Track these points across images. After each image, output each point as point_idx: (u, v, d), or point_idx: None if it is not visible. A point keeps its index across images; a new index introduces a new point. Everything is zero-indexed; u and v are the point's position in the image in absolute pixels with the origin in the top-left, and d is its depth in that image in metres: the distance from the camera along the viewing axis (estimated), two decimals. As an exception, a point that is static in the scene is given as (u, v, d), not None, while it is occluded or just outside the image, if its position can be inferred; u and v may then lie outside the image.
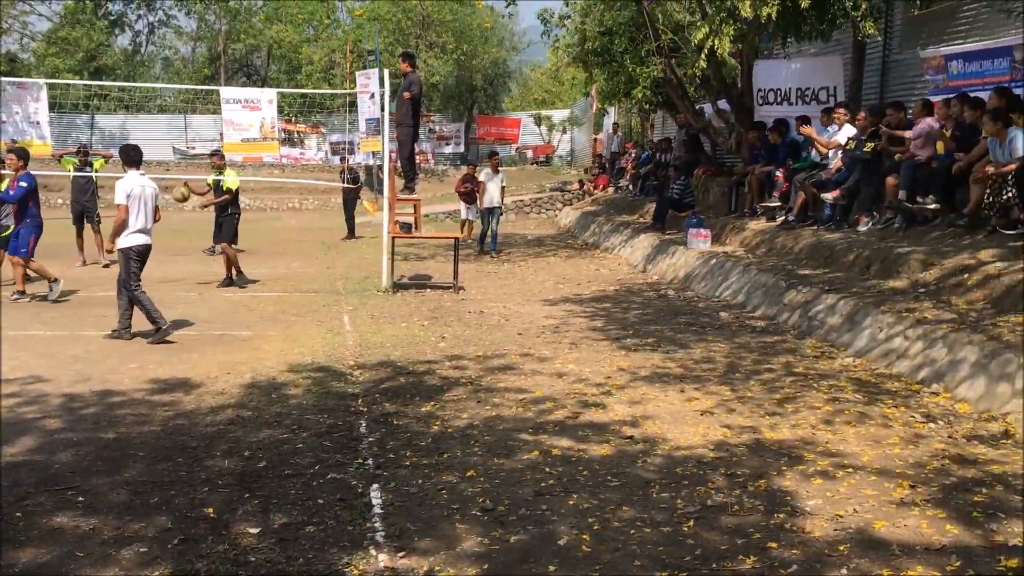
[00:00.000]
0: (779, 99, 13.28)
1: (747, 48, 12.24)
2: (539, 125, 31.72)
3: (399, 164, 10.44)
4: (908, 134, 9.19)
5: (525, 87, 40.49)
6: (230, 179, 10.11)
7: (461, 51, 30.13)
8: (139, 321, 7.28)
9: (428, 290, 10.08)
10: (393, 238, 10.11)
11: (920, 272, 7.52)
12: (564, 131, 31.63)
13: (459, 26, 30.40)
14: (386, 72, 10.41)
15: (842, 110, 10.79)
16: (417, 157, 11.50)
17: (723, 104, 14.96)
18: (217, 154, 10.57)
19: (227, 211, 10.11)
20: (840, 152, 10.37)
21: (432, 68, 28.88)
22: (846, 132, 10.57)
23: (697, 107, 15.94)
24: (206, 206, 10.63)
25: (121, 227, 6.81)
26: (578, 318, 8.23)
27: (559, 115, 32.39)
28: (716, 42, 10.32)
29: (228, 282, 9.95)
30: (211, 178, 10.34)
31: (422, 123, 26.67)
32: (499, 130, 31.42)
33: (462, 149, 29.83)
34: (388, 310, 8.69)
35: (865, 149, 9.70)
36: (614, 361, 6.44)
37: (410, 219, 10.59)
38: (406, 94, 10.05)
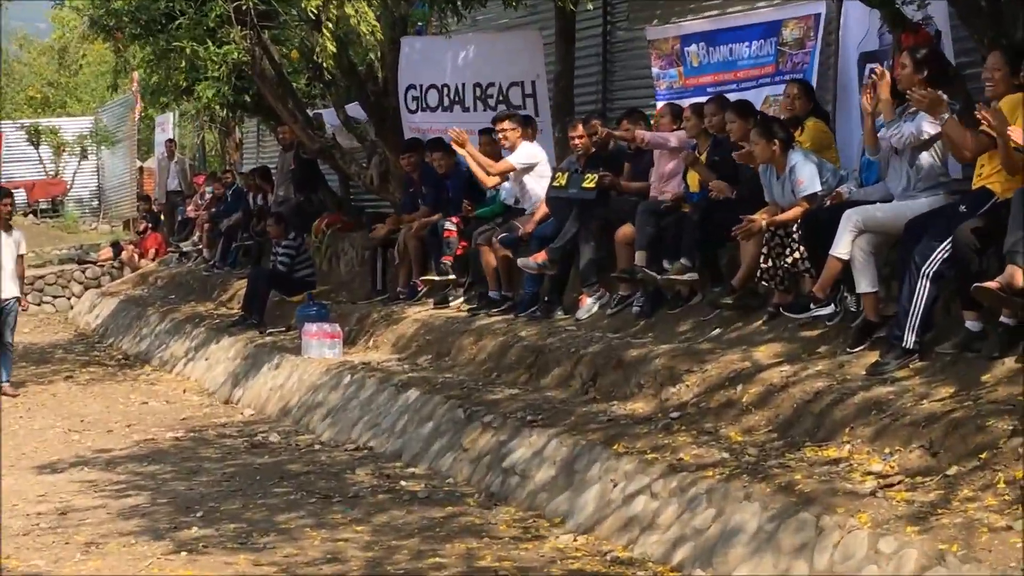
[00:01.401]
0: (445, 102, 13.98)
1: (386, 16, 12.75)
2: (35, 145, 31.10)
3: None
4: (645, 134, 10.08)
5: (8, 76, 39.06)
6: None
7: None
8: None
9: None
10: None
11: (672, 385, 8.07)
12: (84, 155, 31.32)
13: None
14: None
15: (509, 124, 11.51)
16: None
17: (355, 110, 15.42)
18: None
19: None
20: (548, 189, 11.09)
21: None
22: (521, 154, 11.32)
23: (313, 114, 16.37)
24: None
25: None
26: (105, 496, 8.30)
27: (74, 126, 32.02)
28: (350, 9, 10.64)
29: None
30: None
31: None
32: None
33: None
34: None
35: (584, 185, 10.40)
36: (164, 573, 6.46)
37: None
38: None
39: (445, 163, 12.69)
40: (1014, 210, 6.37)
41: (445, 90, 13.97)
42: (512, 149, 11.49)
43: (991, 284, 6.32)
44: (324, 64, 12.98)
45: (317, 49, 11.84)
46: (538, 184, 11.37)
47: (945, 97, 7.18)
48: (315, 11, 11.41)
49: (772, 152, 8.45)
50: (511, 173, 11.57)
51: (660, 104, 11.31)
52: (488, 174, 11.67)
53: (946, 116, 7.07)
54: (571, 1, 11.48)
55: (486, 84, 13.80)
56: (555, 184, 10.76)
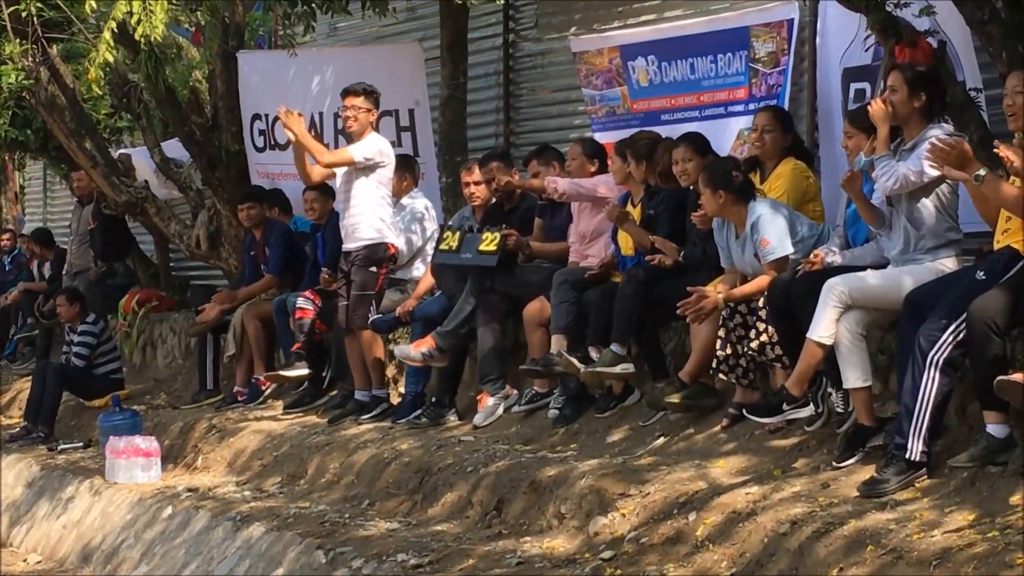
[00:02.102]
0: (267, 145, 14.17)
1: (211, 25, 12.67)
2: None
3: None
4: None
5: None
6: None
7: None
8: None
9: None
10: None
11: (603, 514, 7.99)
12: None
13: None
14: None
15: (364, 102, 11.17)
16: None
17: (175, 149, 15.34)
18: None
19: None
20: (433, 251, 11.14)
21: None
22: (366, 146, 11.02)
23: (119, 155, 16.28)
24: None
25: None
26: None
27: None
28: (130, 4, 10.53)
29: None
30: None
31: None
32: None
33: None
34: None
35: (482, 247, 10.43)
36: None
37: None
38: None
39: (319, 208, 12.56)
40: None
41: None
42: (357, 137, 10.98)
43: (1018, 377, 6.36)
44: (93, 84, 12.38)
45: (89, 64, 11.38)
46: (420, 242, 11.42)
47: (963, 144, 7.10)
48: (92, 10, 11.14)
49: (718, 204, 8.51)
50: (341, 180, 11.10)
51: (597, 136, 11.39)
52: (317, 164, 11.09)
53: (982, 174, 6.91)
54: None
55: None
56: (443, 247, 10.75)
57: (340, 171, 10.95)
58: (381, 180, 10.95)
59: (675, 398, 8.81)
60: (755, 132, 9.19)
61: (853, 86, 9.60)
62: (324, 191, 12.35)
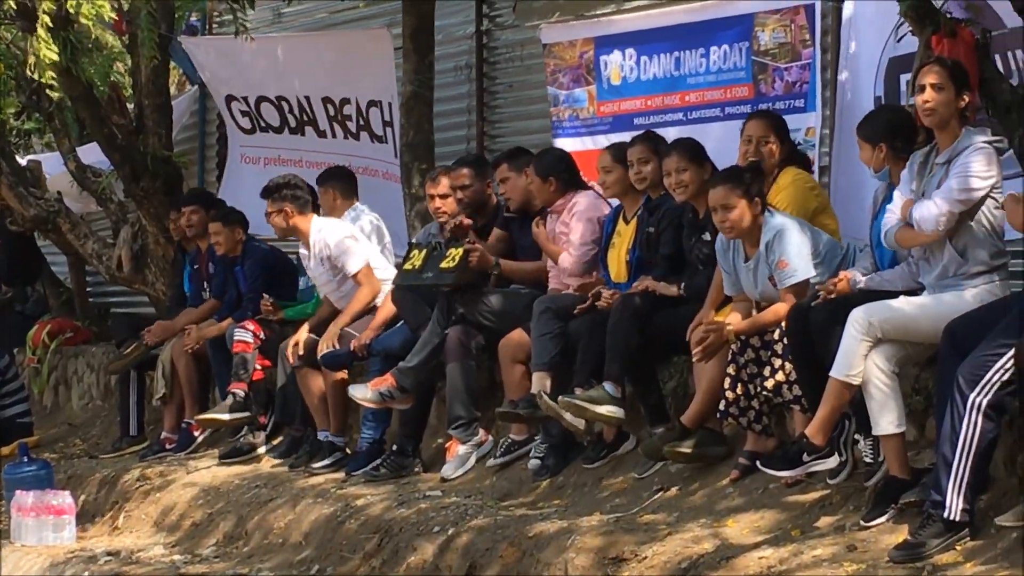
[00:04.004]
0: (291, 121, 14.41)
1: (146, 10, 12.72)
2: None
3: None
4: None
5: None
6: None
7: None
8: None
9: None
10: None
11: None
12: None
13: None
14: None
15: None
16: None
17: (90, 154, 15.41)
18: None
19: None
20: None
21: None
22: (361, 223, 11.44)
23: (27, 162, 16.49)
24: None
25: None
26: None
27: None
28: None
29: None
30: None
31: None
32: None
33: None
34: None
35: (443, 265, 10.47)
36: None
37: None
38: None
39: (225, 238, 12.62)
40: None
41: (285, 105, 14.30)
42: (302, 236, 11.62)
43: None
44: (43, 82, 12.73)
45: (30, 59, 11.55)
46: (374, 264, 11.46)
47: None
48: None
49: (736, 221, 8.48)
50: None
51: (558, 143, 11.37)
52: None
53: None
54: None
55: (339, 100, 14.15)
56: (407, 266, 10.80)
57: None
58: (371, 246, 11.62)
59: (679, 447, 8.78)
60: (747, 143, 9.17)
61: (904, 78, 9.47)
62: (227, 221, 12.56)
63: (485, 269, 10.40)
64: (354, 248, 11.30)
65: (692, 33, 11.19)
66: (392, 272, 11.35)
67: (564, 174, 10.27)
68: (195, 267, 13.50)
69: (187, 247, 13.66)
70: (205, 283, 13.27)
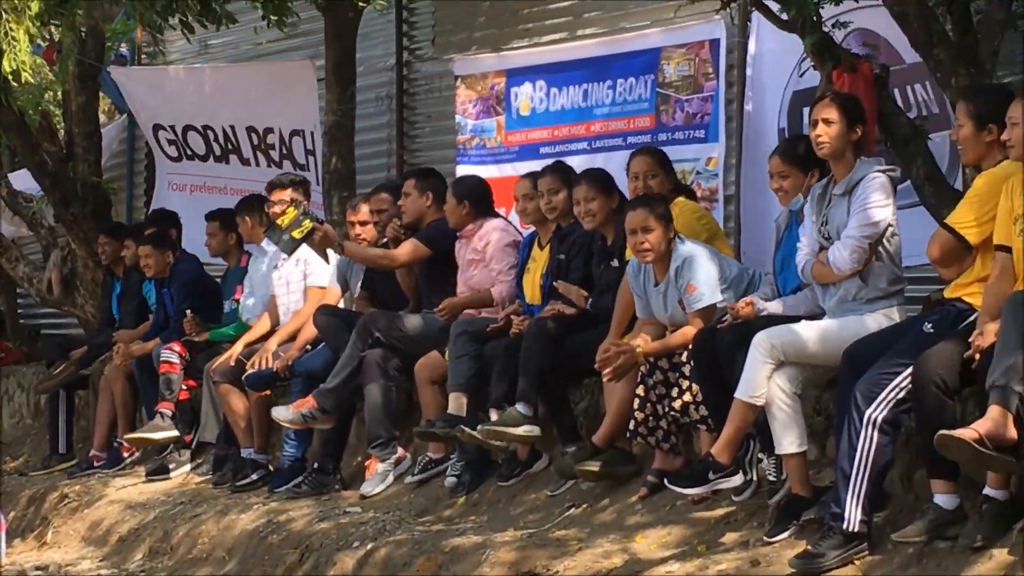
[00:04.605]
0: (216, 150, 14.36)
1: (67, 40, 12.64)
2: None
3: None
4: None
5: None
6: None
7: None
8: None
9: None
10: None
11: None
12: None
13: None
14: None
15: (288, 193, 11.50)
16: None
17: (21, 180, 15.41)
18: None
19: None
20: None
21: None
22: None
23: None
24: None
25: None
26: None
27: None
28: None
29: None
30: None
31: None
32: None
33: None
34: None
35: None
36: None
37: None
38: None
39: (156, 261, 12.59)
40: (1005, 326, 6.42)
41: (211, 133, 14.23)
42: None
43: (965, 433, 6.32)
44: None
45: None
46: (283, 292, 11.49)
47: None
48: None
49: (653, 243, 8.42)
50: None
51: (460, 170, 11.33)
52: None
53: None
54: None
55: (263, 129, 14.07)
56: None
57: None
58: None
59: (589, 466, 8.73)
60: (635, 179, 9.14)
61: (806, 110, 9.41)
62: (158, 244, 12.57)
63: (328, 246, 10.29)
64: (330, 264, 11.23)
65: (601, 66, 11.25)
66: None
67: (478, 201, 10.21)
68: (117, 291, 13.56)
69: (115, 270, 13.55)
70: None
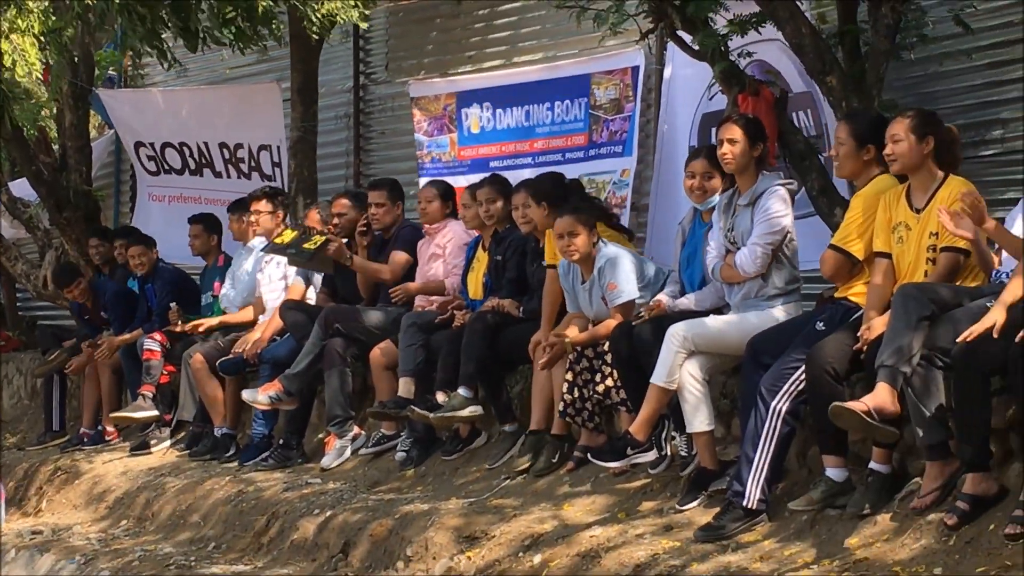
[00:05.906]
0: (191, 164, 14.23)
1: (58, 63, 12.59)
2: None
3: None
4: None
5: None
6: None
7: None
8: None
9: None
10: None
11: (450, 556, 7.93)
12: None
13: None
14: None
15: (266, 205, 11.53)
16: None
17: (20, 188, 15.22)
18: None
19: None
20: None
21: None
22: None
23: None
24: None
25: None
26: None
27: None
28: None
29: None
30: None
31: None
32: None
33: None
34: None
35: (306, 245, 10.43)
36: None
37: None
38: None
39: (147, 260, 12.60)
40: (894, 314, 6.47)
41: (186, 150, 14.17)
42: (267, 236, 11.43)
43: (856, 405, 6.37)
44: None
45: None
46: (267, 288, 11.38)
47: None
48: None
49: (576, 246, 8.41)
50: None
51: (423, 182, 11.32)
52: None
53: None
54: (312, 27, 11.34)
55: (233, 145, 14.02)
56: (277, 240, 10.80)
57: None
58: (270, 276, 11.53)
59: (522, 441, 8.83)
60: (516, 210, 9.17)
61: (714, 130, 9.49)
62: (149, 243, 12.59)
63: (339, 259, 10.31)
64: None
65: (540, 90, 11.24)
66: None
67: (448, 204, 10.24)
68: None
69: (103, 269, 13.51)
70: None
